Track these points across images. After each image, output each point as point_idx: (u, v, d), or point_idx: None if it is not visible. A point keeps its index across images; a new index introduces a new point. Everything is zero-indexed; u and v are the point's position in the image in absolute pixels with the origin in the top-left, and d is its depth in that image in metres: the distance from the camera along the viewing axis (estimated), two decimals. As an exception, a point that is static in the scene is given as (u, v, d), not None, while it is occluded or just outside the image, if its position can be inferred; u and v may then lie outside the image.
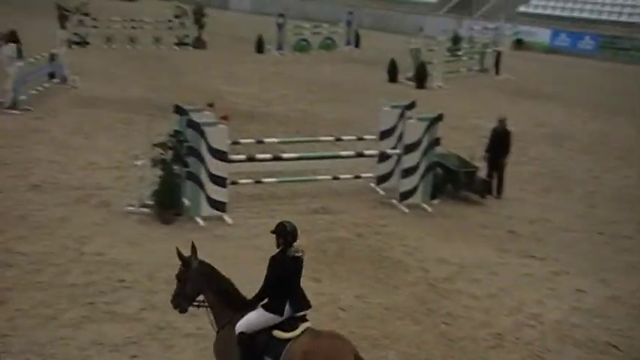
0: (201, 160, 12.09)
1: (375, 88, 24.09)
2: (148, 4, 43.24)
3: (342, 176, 13.91)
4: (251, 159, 12.89)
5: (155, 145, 12.38)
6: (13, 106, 18.35)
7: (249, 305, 6.63)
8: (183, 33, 30.50)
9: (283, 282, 6.55)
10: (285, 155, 13.38)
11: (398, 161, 13.66)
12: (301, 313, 6.62)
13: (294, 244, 6.58)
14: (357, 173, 14.07)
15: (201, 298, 6.91)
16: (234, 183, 12.85)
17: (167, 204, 12.17)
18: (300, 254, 6.61)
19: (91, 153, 15.54)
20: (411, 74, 25.92)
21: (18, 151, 15.29)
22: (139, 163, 12.53)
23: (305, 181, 13.85)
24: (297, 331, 6.45)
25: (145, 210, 12.35)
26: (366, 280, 10.49)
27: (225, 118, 12.47)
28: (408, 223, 12.89)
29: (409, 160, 13.38)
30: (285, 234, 6.56)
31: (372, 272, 10.79)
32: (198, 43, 30.44)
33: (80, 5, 29.51)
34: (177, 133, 12.36)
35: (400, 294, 10.17)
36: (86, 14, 29.14)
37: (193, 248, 6.95)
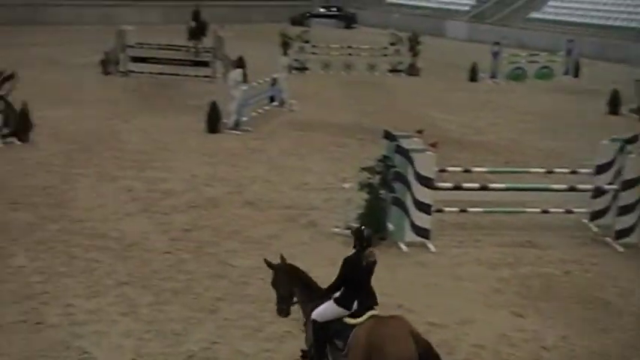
0: (408, 186, 12.15)
1: (593, 120, 22.95)
2: (365, 32, 44.37)
3: (552, 210, 13.34)
4: (457, 187, 12.75)
5: (363, 169, 12.63)
6: (235, 126, 19.58)
7: (324, 296, 7.36)
8: (397, 60, 30.91)
9: (353, 281, 7.22)
10: (492, 185, 13.08)
11: (615, 197, 12.88)
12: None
13: (369, 249, 7.23)
14: (568, 208, 13.41)
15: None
16: (439, 211, 12.77)
17: (372, 228, 12.30)
18: (372, 259, 7.24)
19: (303, 174, 16.17)
20: (635, 106, 24.38)
21: (237, 169, 16.28)
22: (346, 185, 12.84)
23: (512, 213, 13.46)
24: (364, 318, 7.10)
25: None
26: (572, 321, 9.96)
27: (433, 145, 12.46)
28: (622, 264, 12.07)
29: (628, 197, 12.56)
30: (361, 239, 7.26)
31: (580, 313, 10.23)
32: (412, 70, 30.71)
33: (301, 33, 30.96)
34: (385, 158, 12.53)
35: (610, 338, 9.54)
36: (307, 42, 30.48)
37: (282, 258, 7.79)
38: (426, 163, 12.07)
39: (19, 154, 16.62)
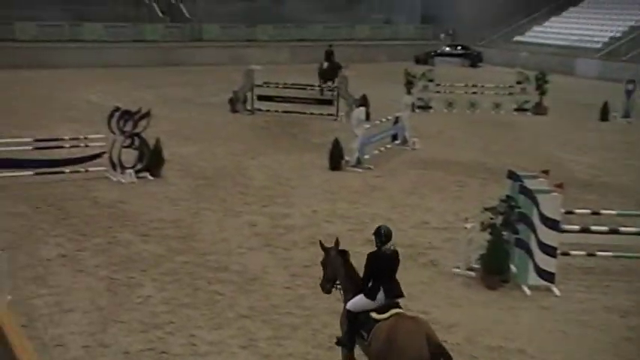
0: (532, 227, 11.81)
1: None
2: (491, 71, 43.85)
3: (688, 256, 12.61)
4: (585, 230, 12.29)
5: (486, 209, 12.41)
6: (357, 164, 19.71)
7: (361, 289, 8.20)
8: (523, 99, 30.27)
9: (378, 273, 8.12)
10: (623, 229, 12.53)
11: None
12: (395, 301, 8.12)
13: (388, 243, 8.16)
14: None
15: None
16: (565, 254, 12.34)
17: (493, 269, 12.07)
18: (390, 251, 8.17)
19: (424, 212, 16.05)
20: None
21: (357, 206, 16.35)
22: (468, 225, 12.63)
23: (645, 259, 12.81)
24: (387, 314, 7.91)
25: (471, 273, 12.38)
26: None
27: (559, 186, 12.10)
28: None
29: None
30: (380, 235, 8.20)
31: None
32: (539, 109, 29.95)
33: (426, 72, 30.91)
34: (508, 198, 12.28)
35: None
36: (431, 80, 30.39)
37: (337, 242, 8.72)
38: (551, 205, 11.71)
39: (151, 188, 17.39)
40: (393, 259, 8.23)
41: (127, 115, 17.90)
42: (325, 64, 31.56)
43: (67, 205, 15.82)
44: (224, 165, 19.84)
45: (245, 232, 14.47)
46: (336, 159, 19.60)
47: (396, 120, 22.84)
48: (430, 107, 29.76)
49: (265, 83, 27.80)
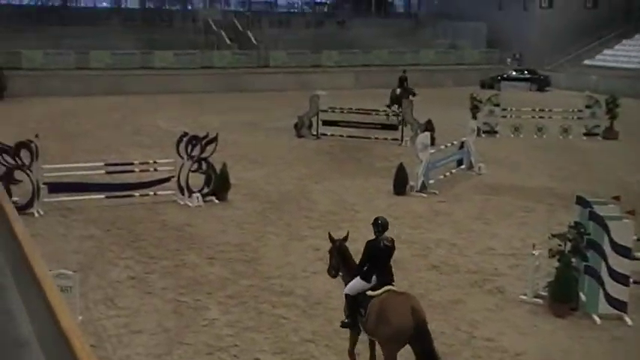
0: (603, 255, 11.53)
1: None
2: (559, 95, 43.12)
3: None
4: (659, 258, 11.94)
5: (554, 235, 12.19)
6: (422, 189, 19.59)
7: (355, 274, 9.29)
8: (593, 123, 29.62)
9: (372, 260, 9.14)
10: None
11: None
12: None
13: (385, 234, 9.18)
14: None
15: None
16: (637, 282, 12.00)
17: (562, 297, 11.80)
18: (388, 243, 9.17)
19: (489, 239, 15.82)
20: None
21: (422, 231, 16.23)
22: (535, 252, 12.40)
23: None
24: (381, 291, 8.97)
25: (539, 301, 12.14)
26: None
27: (631, 212, 11.82)
28: None
29: None
30: (377, 225, 9.25)
31: None
32: (609, 134, 29.25)
33: (492, 96, 30.57)
34: (577, 224, 12.04)
35: None
36: (497, 105, 30.03)
37: (346, 236, 9.97)
38: (623, 232, 11.43)
39: (217, 212, 17.64)
40: (388, 250, 9.20)
41: (194, 140, 18.27)
42: (398, 90, 31.57)
43: (136, 228, 16.18)
44: (289, 189, 19.99)
45: (309, 257, 14.52)
46: (400, 184, 19.53)
47: (462, 145, 22.65)
48: (496, 132, 29.38)
49: (330, 108, 27.96)
